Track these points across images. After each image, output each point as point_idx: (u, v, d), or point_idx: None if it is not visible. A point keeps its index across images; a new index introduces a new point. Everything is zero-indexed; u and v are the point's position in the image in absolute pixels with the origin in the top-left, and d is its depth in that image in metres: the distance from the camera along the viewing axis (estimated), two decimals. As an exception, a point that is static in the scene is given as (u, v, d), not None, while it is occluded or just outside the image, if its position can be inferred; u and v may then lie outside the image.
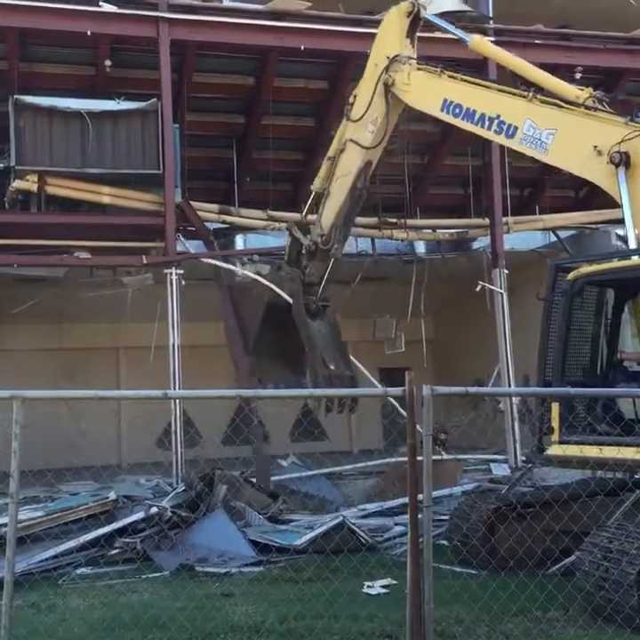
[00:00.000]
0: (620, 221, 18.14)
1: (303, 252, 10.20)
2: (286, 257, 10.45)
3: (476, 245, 16.69)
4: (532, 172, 18.98)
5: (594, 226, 17.03)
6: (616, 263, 8.60)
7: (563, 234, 16.99)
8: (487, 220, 15.84)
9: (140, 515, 9.81)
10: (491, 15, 15.92)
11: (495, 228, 15.41)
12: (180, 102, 15.10)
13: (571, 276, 8.45)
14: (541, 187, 18.91)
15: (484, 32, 14.43)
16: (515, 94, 8.64)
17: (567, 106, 8.31)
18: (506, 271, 15.16)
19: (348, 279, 15.11)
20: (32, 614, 7.34)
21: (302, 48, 14.68)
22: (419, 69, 9.68)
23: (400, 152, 15.98)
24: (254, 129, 16.60)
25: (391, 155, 16.19)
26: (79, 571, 8.82)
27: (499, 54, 10.23)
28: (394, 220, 15.98)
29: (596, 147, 7.91)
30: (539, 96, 8.46)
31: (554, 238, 16.99)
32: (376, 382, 12.86)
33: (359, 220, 15.80)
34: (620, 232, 16.43)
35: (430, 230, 16.72)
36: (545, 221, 17.07)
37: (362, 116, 10.03)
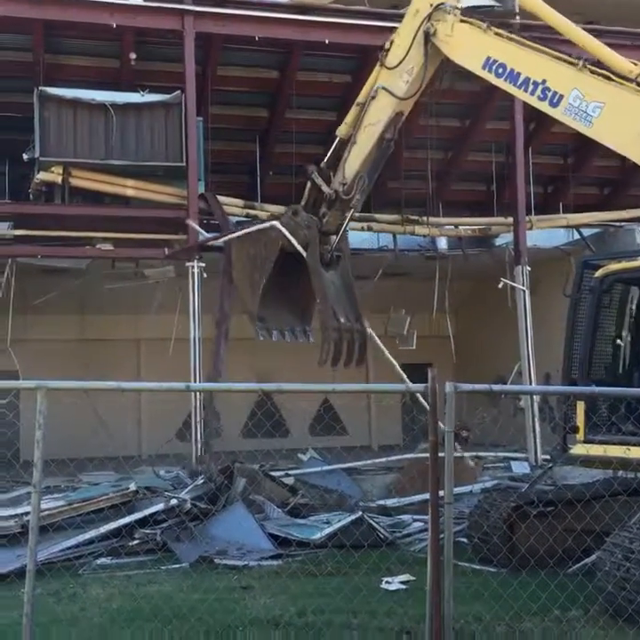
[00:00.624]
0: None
1: (323, 199, 9.78)
2: (304, 202, 10.01)
3: (498, 242, 16.61)
4: (556, 169, 18.91)
5: (618, 224, 16.91)
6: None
7: (586, 232, 16.88)
8: (510, 219, 15.76)
9: (160, 506, 9.86)
10: (516, 10, 15.81)
11: (518, 226, 15.32)
12: (203, 95, 15.13)
13: (599, 273, 8.35)
14: (565, 184, 18.80)
15: (509, 27, 14.32)
16: (564, 61, 8.09)
17: (618, 79, 7.81)
18: (528, 268, 15.08)
19: (369, 274, 15.07)
20: (53, 603, 7.39)
21: (326, 42, 14.68)
22: (463, 21, 8.99)
23: (424, 146, 15.98)
24: (277, 123, 16.60)
25: (414, 149, 16.25)
26: (100, 561, 8.88)
27: (551, 16, 9.32)
28: (416, 217, 15.93)
29: None
30: (589, 66, 7.94)
31: (577, 236, 16.88)
32: (405, 377, 12.70)
33: (381, 216, 15.89)
34: (647, 230, 16.34)
35: (452, 226, 16.65)
36: (568, 219, 16.96)
37: (398, 65, 9.37)
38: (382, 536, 9.66)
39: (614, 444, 7.53)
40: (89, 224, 14.12)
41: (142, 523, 9.53)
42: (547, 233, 16.69)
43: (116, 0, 13.87)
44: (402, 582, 8.00)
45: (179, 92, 14.21)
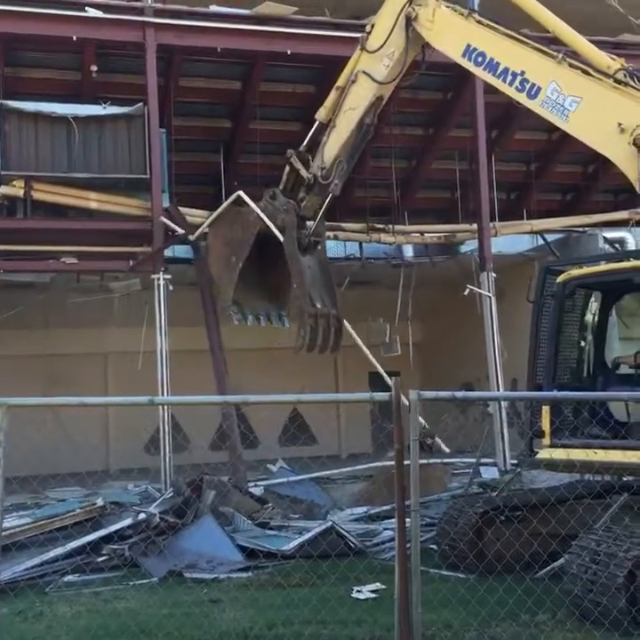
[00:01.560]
0: (608, 224, 18.26)
1: (302, 183, 9.69)
2: (282, 185, 9.91)
3: (463, 249, 16.72)
4: (520, 175, 19.09)
5: (581, 229, 17.10)
6: (607, 266, 8.59)
7: (550, 237, 17.04)
8: (475, 226, 15.87)
9: (127, 521, 9.76)
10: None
11: (483, 232, 15.43)
12: (166, 107, 15.09)
13: (561, 278, 8.43)
14: (528, 190, 18.98)
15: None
16: (544, 53, 8.05)
17: (597, 75, 7.76)
18: (494, 275, 15.18)
19: (336, 283, 15.09)
20: (19, 622, 7.28)
21: (288, 52, 14.70)
22: (446, 7, 8.92)
23: (388, 155, 16.06)
24: (242, 134, 16.59)
25: (379, 158, 16.30)
26: (66, 578, 8.75)
27: (534, 7, 9.21)
28: (381, 226, 15.98)
29: (620, 124, 7.43)
30: (568, 59, 7.91)
31: (541, 241, 17.03)
32: (389, 380, 12.66)
33: (347, 225, 15.92)
34: (608, 235, 16.52)
35: (418, 234, 16.73)
36: (532, 225, 17.11)
37: (378, 49, 9.25)
38: (352, 545, 9.64)
39: (577, 447, 7.59)
40: (52, 237, 13.98)
41: (108, 539, 9.42)
42: (511, 239, 16.82)
43: (76, 13, 13.82)
44: (372, 591, 7.99)
45: (141, 104, 14.14)
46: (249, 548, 9.59)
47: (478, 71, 8.54)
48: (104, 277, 15.32)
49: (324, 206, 9.70)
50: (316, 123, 9.95)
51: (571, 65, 7.91)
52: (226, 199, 16.59)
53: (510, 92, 8.26)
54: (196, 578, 8.75)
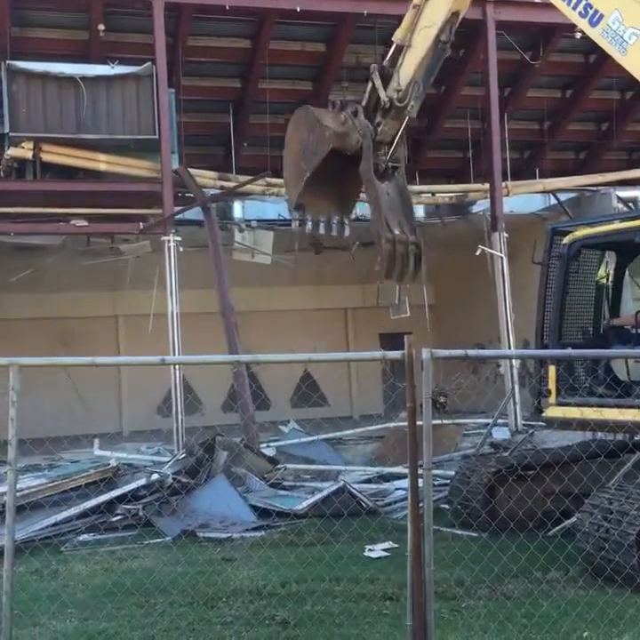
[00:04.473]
0: (622, 183, 18.02)
1: (379, 106, 9.60)
2: (364, 102, 9.41)
3: (475, 209, 16.58)
4: (532, 134, 18.87)
5: (594, 188, 16.92)
6: (612, 226, 8.51)
7: (563, 196, 16.88)
8: (486, 185, 15.72)
9: (141, 481, 9.83)
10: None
11: (495, 192, 15.29)
12: (175, 66, 14.94)
13: (566, 239, 8.38)
14: (541, 149, 18.77)
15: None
16: None
17: None
18: (506, 235, 15.06)
19: (347, 245, 15.00)
20: (35, 581, 7.37)
21: (298, 10, 14.49)
22: None
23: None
24: (251, 93, 16.44)
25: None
26: (81, 537, 8.84)
27: None
28: (392, 185, 15.81)
29: None
30: None
31: (554, 201, 16.87)
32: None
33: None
34: (621, 194, 16.34)
35: (429, 194, 16.59)
36: (545, 184, 16.94)
37: None
38: (364, 504, 9.68)
39: (589, 406, 7.59)
40: (62, 200, 13.95)
41: (122, 498, 9.49)
42: (524, 199, 16.67)
43: (83, -30, 13.66)
44: (384, 550, 8.03)
45: (149, 63, 14.01)
46: (261, 507, 9.66)
47: None
48: (114, 240, 15.29)
49: (401, 130, 9.46)
50: (393, 45, 9.72)
51: None
52: (235, 160, 16.58)
53: (573, 16, 7.79)
54: (209, 537, 8.82)
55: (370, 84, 9.33)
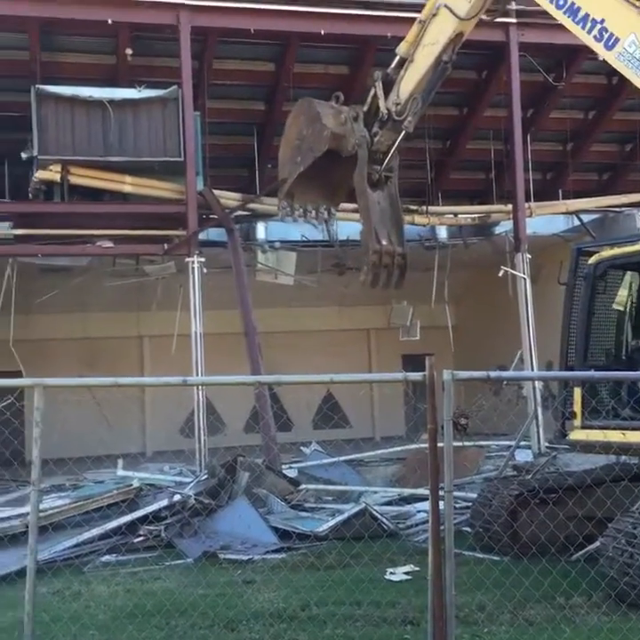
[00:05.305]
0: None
1: (377, 117, 9.66)
2: (366, 107, 9.47)
3: (498, 230, 16.57)
4: (555, 155, 18.85)
5: (618, 209, 16.85)
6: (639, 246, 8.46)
7: (586, 218, 16.82)
8: (509, 206, 15.71)
9: (163, 502, 9.86)
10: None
11: (518, 213, 15.27)
12: (200, 89, 15.10)
13: (592, 259, 8.34)
14: (564, 170, 18.74)
15: (506, 13, 14.32)
16: (628, 2, 7.52)
17: None
18: (528, 256, 15.03)
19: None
20: (57, 601, 7.39)
21: (322, 33, 14.62)
22: None
23: (422, 136, 15.91)
24: (275, 115, 16.54)
25: (413, 139, 16.15)
26: (103, 558, 8.87)
27: None
28: (415, 207, 15.86)
29: None
30: None
31: (577, 222, 16.83)
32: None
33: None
34: (645, 215, 16.27)
35: (452, 215, 16.61)
36: (568, 205, 16.91)
37: None
38: (385, 526, 9.65)
39: (612, 428, 7.52)
40: (89, 222, 14.12)
41: (144, 519, 9.52)
42: (546, 220, 16.65)
43: (110, -4, 13.86)
44: (405, 573, 7.99)
45: (175, 86, 14.18)
46: (282, 529, 9.65)
47: (559, 14, 8.04)
48: (139, 261, 15.42)
49: (397, 142, 9.52)
50: (396, 57, 9.82)
51: None
52: (260, 182, 16.69)
53: (588, 40, 7.80)
54: (230, 559, 8.82)
55: (372, 91, 9.40)
